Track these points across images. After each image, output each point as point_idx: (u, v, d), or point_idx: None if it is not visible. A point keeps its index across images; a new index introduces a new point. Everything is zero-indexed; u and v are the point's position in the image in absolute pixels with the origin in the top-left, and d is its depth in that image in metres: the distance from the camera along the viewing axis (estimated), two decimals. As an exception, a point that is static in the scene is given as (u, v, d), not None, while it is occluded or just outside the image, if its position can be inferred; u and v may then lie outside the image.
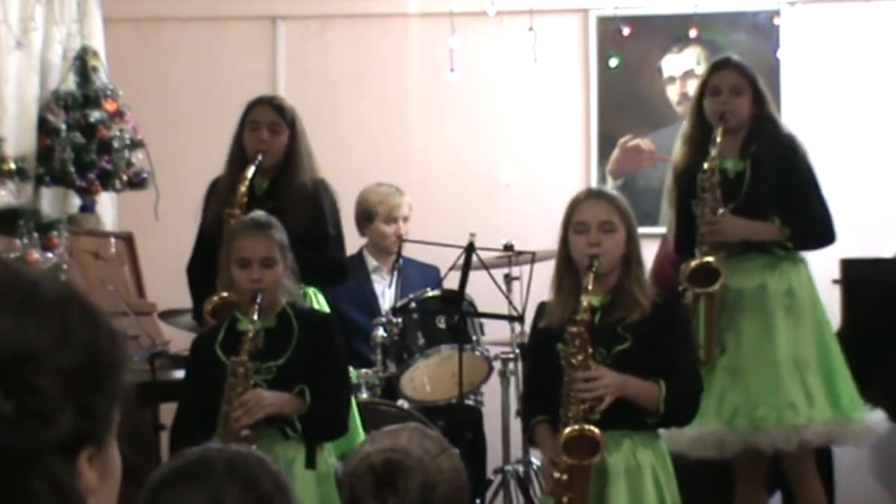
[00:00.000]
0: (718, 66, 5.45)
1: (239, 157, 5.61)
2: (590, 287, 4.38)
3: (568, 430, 4.32)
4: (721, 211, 5.22)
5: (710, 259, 5.18)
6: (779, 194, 5.25)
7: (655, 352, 4.43)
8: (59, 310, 1.39)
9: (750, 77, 5.40)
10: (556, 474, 4.34)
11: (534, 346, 4.72)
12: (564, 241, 4.55)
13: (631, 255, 4.52)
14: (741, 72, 5.40)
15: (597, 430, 4.30)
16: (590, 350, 4.37)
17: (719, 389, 5.23)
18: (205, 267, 5.51)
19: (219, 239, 5.38)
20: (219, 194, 5.62)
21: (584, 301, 4.36)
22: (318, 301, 5.64)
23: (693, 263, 5.21)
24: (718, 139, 5.24)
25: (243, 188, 5.41)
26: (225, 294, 5.24)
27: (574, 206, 4.59)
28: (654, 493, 4.43)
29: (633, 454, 4.42)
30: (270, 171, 5.61)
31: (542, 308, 4.64)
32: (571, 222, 4.54)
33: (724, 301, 5.25)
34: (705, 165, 5.23)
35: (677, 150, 5.53)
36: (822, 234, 5.35)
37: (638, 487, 4.41)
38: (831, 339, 5.31)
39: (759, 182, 5.27)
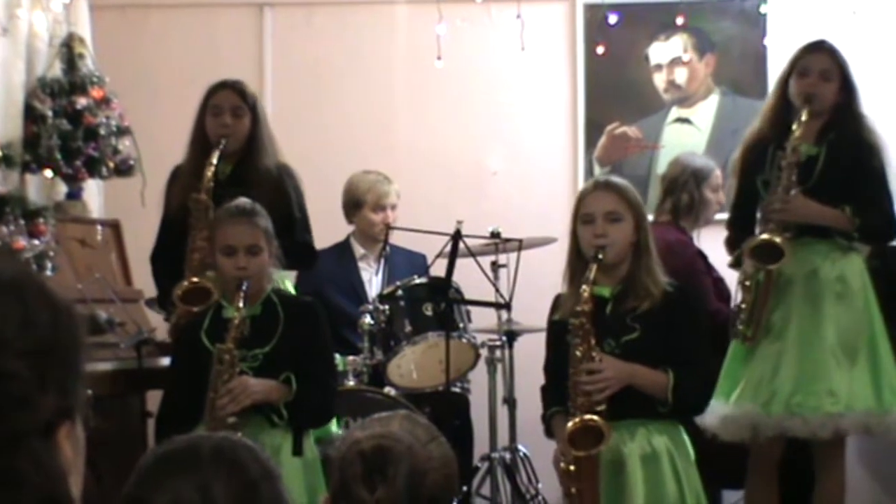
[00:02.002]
0: (811, 48, 5.38)
1: (201, 142, 5.59)
2: (591, 278, 4.38)
3: (571, 423, 4.34)
4: (794, 191, 5.19)
5: (777, 238, 5.15)
6: (848, 186, 5.21)
7: (666, 341, 4.44)
8: (17, 292, 1.39)
9: (841, 65, 5.34)
10: (564, 465, 4.36)
11: (550, 338, 4.72)
12: (574, 233, 4.56)
13: (640, 244, 4.53)
14: (833, 58, 5.34)
15: (600, 420, 4.31)
16: (592, 341, 4.38)
17: (759, 372, 5.23)
18: (170, 254, 5.51)
19: (184, 226, 5.39)
20: (182, 180, 5.61)
21: (585, 292, 4.36)
22: (286, 286, 5.63)
23: (759, 239, 5.19)
24: (804, 119, 5.19)
25: (209, 173, 5.40)
26: (195, 279, 5.25)
27: (581, 198, 4.61)
28: (672, 479, 4.43)
29: (648, 441, 4.44)
30: (233, 155, 5.59)
31: (557, 300, 4.65)
32: (579, 214, 4.55)
33: (776, 284, 5.23)
34: (786, 144, 5.18)
35: (755, 123, 5.51)
36: (887, 230, 5.37)
37: (655, 473, 4.42)
38: (880, 329, 5.28)
39: (830, 171, 5.23)
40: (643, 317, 4.46)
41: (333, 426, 5.39)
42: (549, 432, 4.63)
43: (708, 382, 4.65)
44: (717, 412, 5.13)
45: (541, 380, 4.76)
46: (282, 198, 5.48)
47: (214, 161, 5.42)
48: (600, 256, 4.42)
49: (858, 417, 5.14)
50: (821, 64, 5.31)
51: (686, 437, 4.54)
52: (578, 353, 4.37)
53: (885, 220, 5.32)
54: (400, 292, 6.25)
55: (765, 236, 5.18)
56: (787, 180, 5.19)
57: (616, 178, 4.73)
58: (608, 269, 4.46)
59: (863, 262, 5.34)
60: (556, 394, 4.54)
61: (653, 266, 4.52)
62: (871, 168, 5.27)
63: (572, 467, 4.36)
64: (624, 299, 4.49)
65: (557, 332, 4.58)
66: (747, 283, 5.24)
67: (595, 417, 4.32)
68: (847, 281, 5.24)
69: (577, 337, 4.37)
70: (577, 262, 4.55)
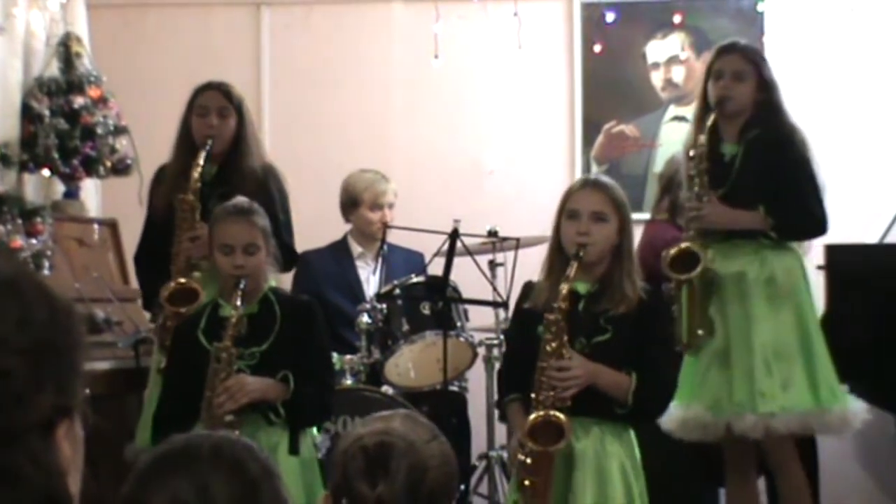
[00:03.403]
0: (724, 51, 5.38)
1: (187, 142, 5.59)
2: (571, 275, 4.39)
3: (534, 415, 4.34)
4: (706, 198, 5.21)
5: (689, 245, 5.17)
6: (765, 184, 5.20)
7: (634, 346, 4.45)
8: (15, 290, 1.39)
9: (755, 63, 5.34)
10: (521, 457, 4.36)
11: (515, 326, 4.74)
12: (557, 228, 4.56)
13: (622, 247, 4.53)
14: (745, 57, 5.34)
15: (562, 417, 4.32)
16: (565, 338, 4.38)
17: (704, 373, 5.23)
18: (154, 255, 5.50)
19: (170, 226, 5.38)
20: (168, 181, 5.60)
21: (564, 289, 4.36)
22: None
23: (673, 250, 5.19)
24: (708, 124, 5.20)
25: (196, 174, 5.40)
26: (182, 280, 5.25)
27: (569, 194, 4.61)
28: (620, 483, 4.43)
29: (601, 443, 4.44)
30: (219, 156, 5.58)
31: (527, 288, 4.65)
32: (565, 209, 4.55)
33: (713, 285, 5.23)
34: (691, 152, 5.22)
35: (687, 131, 5.52)
36: (808, 226, 5.29)
37: (604, 475, 4.43)
38: (814, 328, 5.25)
39: (748, 168, 5.22)
40: (616, 320, 4.46)
41: (314, 430, 5.37)
42: (504, 417, 4.65)
43: (669, 388, 4.72)
44: (671, 415, 5.15)
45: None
46: (266, 199, 5.44)
47: (201, 162, 5.42)
48: (581, 254, 4.43)
49: (793, 418, 5.12)
50: (733, 65, 5.30)
51: (635, 444, 4.55)
52: (549, 349, 4.37)
53: (805, 216, 5.25)
54: (397, 291, 6.25)
55: (682, 245, 5.18)
56: (701, 187, 5.20)
57: (606, 179, 4.73)
58: (586, 266, 4.47)
59: (797, 261, 5.31)
60: (515, 381, 4.56)
61: (632, 270, 4.53)
62: (789, 163, 5.24)
63: (529, 460, 4.36)
64: (598, 299, 4.49)
65: (524, 321, 4.59)
66: (673, 292, 5.24)
67: (558, 414, 4.32)
68: (776, 281, 5.21)
69: (550, 332, 4.38)
70: (557, 256, 4.55)
